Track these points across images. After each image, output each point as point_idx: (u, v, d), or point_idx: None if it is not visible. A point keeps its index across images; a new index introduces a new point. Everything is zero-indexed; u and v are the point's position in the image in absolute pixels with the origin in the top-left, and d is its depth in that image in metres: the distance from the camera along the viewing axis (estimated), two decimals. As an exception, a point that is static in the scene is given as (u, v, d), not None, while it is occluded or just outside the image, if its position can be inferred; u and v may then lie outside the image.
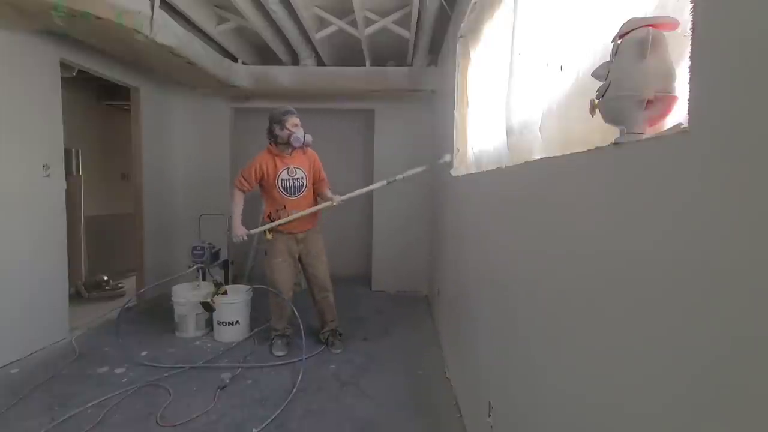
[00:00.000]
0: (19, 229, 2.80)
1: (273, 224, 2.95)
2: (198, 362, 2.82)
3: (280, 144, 2.93)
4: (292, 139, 2.87)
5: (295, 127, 2.89)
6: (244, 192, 3.01)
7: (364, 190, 3.10)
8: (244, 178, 2.98)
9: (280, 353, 2.93)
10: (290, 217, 2.93)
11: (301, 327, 2.80)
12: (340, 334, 3.14)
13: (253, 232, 2.99)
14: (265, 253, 3.07)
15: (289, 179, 2.97)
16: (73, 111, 4.22)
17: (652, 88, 0.71)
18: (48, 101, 3.01)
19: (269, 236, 2.98)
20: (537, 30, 1.40)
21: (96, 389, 2.42)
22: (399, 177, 2.98)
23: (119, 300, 4.14)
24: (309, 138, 2.97)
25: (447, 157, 2.91)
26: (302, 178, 3.00)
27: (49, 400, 2.30)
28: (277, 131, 2.90)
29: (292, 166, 2.97)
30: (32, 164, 2.90)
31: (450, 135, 3.00)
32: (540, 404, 1.17)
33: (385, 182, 3.03)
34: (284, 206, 2.97)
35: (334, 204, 2.97)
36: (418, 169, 3.03)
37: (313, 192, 3.11)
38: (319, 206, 3.01)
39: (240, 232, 2.94)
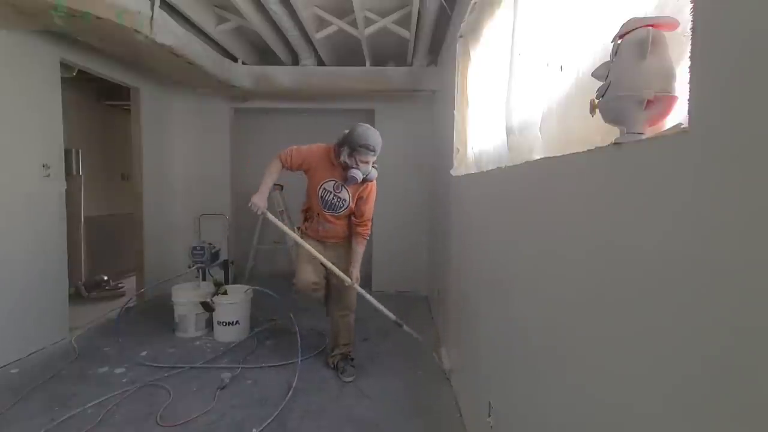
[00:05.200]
0: (19, 228, 2.80)
1: (290, 233, 2.70)
2: (198, 362, 2.81)
3: (340, 161, 2.55)
4: (348, 174, 2.50)
5: (363, 164, 2.49)
6: (283, 167, 2.64)
7: (375, 303, 2.74)
8: (292, 157, 2.62)
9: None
10: (303, 243, 2.64)
11: (297, 329, 2.79)
12: (353, 359, 2.77)
13: (270, 217, 2.62)
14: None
15: (331, 193, 2.62)
16: (73, 111, 4.22)
17: (652, 88, 0.71)
18: (48, 101, 3.01)
19: (297, 233, 2.76)
20: (537, 30, 1.40)
21: (96, 389, 2.41)
22: (405, 327, 2.73)
23: (119, 300, 4.14)
24: (372, 176, 2.58)
25: (443, 358, 2.73)
26: (346, 200, 2.63)
27: (49, 400, 2.30)
28: (344, 156, 2.50)
29: (340, 183, 2.60)
30: (32, 164, 2.90)
31: (450, 135, 3.00)
32: (540, 404, 1.17)
33: (393, 317, 2.74)
34: (317, 213, 2.70)
35: (348, 284, 2.66)
36: (422, 340, 2.80)
37: (349, 223, 2.75)
38: (337, 271, 2.64)
39: (260, 203, 2.53)
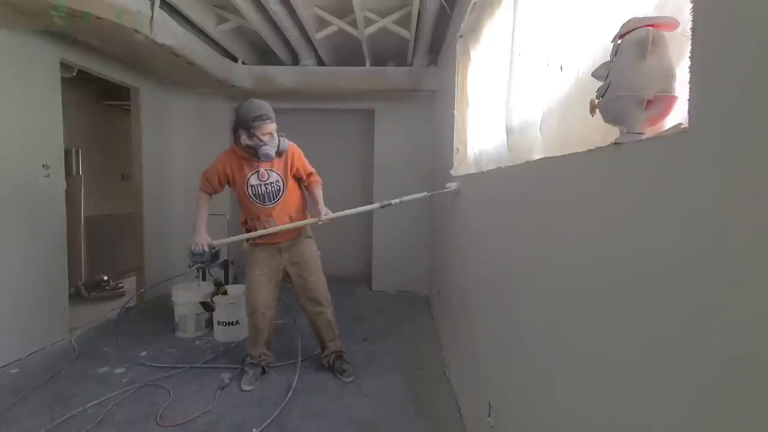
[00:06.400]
0: (19, 229, 2.80)
1: (241, 237, 2.59)
2: (198, 362, 2.82)
3: (245, 148, 2.42)
4: (260, 154, 2.35)
5: (267, 136, 2.34)
6: (209, 195, 2.58)
7: (355, 210, 2.64)
8: (208, 181, 2.54)
9: (248, 387, 2.47)
10: (265, 231, 2.48)
11: (297, 329, 2.79)
12: (345, 353, 2.72)
13: (217, 243, 2.55)
14: None
15: (260, 185, 2.47)
16: (73, 111, 4.22)
17: (652, 88, 0.71)
18: (48, 101, 3.01)
19: (246, 246, 2.60)
20: (537, 30, 1.40)
21: (96, 389, 2.41)
22: (395, 201, 2.58)
23: (119, 300, 4.14)
24: (285, 145, 2.46)
25: (452, 185, 2.60)
26: (277, 182, 2.49)
27: (49, 400, 2.30)
28: (244, 139, 2.36)
29: (262, 169, 2.45)
30: (32, 164, 2.90)
31: (450, 135, 3.00)
32: (540, 404, 1.17)
33: (378, 205, 2.62)
34: (258, 216, 2.52)
35: (321, 222, 2.50)
36: (418, 195, 2.67)
37: (301, 193, 2.65)
38: (301, 222, 2.54)
39: (201, 241, 2.46)
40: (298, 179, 2.63)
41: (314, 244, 2.70)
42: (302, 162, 2.60)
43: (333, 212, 2.53)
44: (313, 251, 2.67)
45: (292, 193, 2.58)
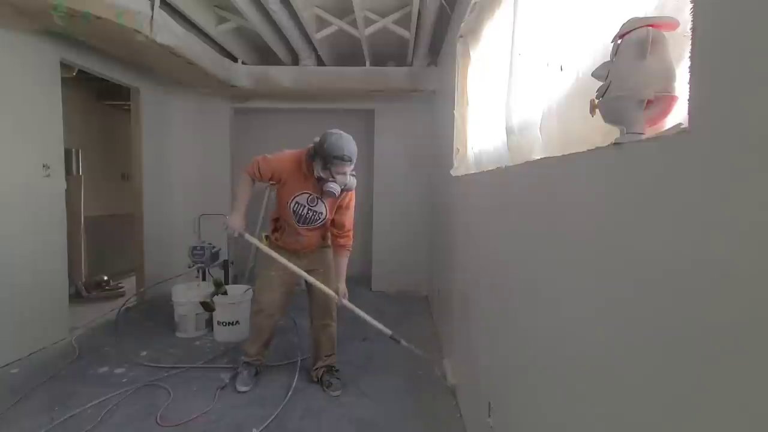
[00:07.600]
0: (19, 229, 2.80)
1: (269, 251, 2.47)
2: (198, 362, 2.82)
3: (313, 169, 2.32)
4: (325, 189, 2.27)
5: (341, 175, 2.26)
6: (254, 180, 2.44)
7: (369, 318, 2.51)
8: (260, 170, 2.38)
9: (244, 388, 2.46)
10: (284, 262, 2.42)
11: (297, 329, 2.79)
12: (337, 371, 2.61)
13: (249, 238, 2.47)
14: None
15: (305, 207, 2.40)
16: (73, 111, 4.22)
17: (652, 88, 0.71)
18: (48, 101, 3.01)
19: (264, 243, 2.53)
20: (537, 30, 1.40)
21: (96, 389, 2.41)
22: (403, 342, 2.48)
23: (119, 300, 4.13)
24: (352, 185, 2.36)
25: (447, 372, 2.55)
26: (322, 213, 2.42)
27: (49, 400, 2.30)
28: (318, 170, 2.27)
29: (315, 196, 2.38)
30: (32, 164, 2.90)
31: (450, 135, 3.00)
32: (540, 404, 1.17)
33: (390, 332, 2.50)
34: (289, 225, 2.50)
35: (337, 301, 2.48)
36: (423, 354, 2.53)
37: (327, 230, 2.56)
38: (321, 286, 2.44)
39: (236, 226, 2.38)
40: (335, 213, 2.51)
41: (332, 254, 2.64)
42: (349, 209, 2.50)
43: (341, 302, 2.48)
44: (331, 260, 2.61)
45: (326, 226, 2.53)
